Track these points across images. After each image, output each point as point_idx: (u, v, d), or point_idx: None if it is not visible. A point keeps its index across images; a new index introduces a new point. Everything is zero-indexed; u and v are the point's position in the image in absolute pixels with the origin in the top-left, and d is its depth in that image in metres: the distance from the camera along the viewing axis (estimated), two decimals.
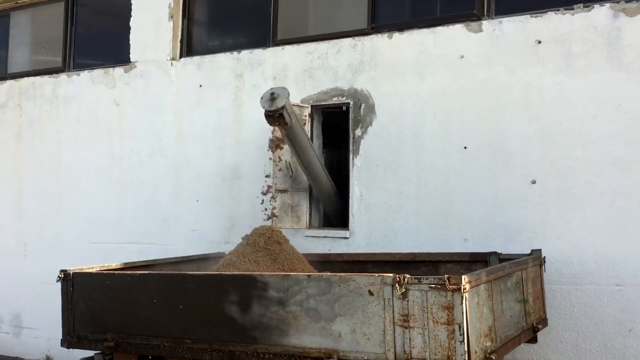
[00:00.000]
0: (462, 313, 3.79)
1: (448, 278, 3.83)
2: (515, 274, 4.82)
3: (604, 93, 5.73)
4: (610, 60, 5.73)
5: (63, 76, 9.00)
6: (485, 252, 5.78)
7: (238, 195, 7.49)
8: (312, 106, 7.08)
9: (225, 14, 8.25)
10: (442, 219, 6.33)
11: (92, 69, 8.79)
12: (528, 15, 6.09)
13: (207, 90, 7.82)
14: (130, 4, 8.41)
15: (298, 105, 6.85)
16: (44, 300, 8.61)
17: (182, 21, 8.22)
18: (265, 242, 5.61)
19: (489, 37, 6.24)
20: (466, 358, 3.78)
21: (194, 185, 7.82)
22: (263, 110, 6.03)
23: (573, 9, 5.91)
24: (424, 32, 6.56)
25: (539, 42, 6.01)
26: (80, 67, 9.01)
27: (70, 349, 5.58)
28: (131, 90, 8.40)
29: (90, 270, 5.55)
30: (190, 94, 7.95)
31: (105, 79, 8.61)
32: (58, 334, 5.61)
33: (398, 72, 6.65)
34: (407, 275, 3.97)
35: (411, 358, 3.93)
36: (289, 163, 6.82)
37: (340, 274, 4.28)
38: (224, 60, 7.73)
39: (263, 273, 4.70)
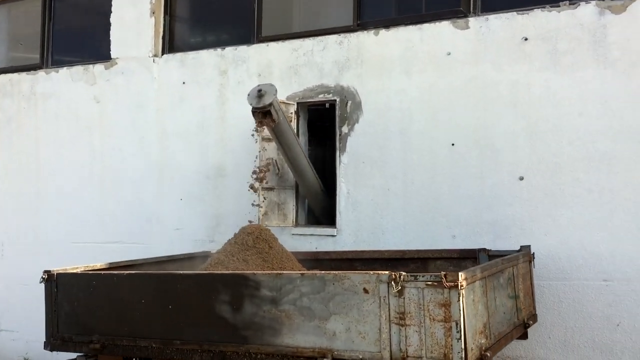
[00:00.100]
0: (459, 310, 3.77)
1: (445, 275, 3.81)
2: (507, 270, 4.82)
3: (590, 90, 5.77)
4: (596, 57, 5.77)
5: (41, 73, 8.80)
6: (474, 249, 5.78)
7: (223, 193, 7.41)
8: (297, 103, 7.02)
9: (208, 10, 8.13)
10: (430, 215, 6.32)
11: (71, 65, 8.61)
12: (514, 12, 6.11)
13: (191, 87, 7.71)
14: (111, 0, 8.26)
15: (284, 103, 6.78)
16: (22, 302, 8.44)
17: (164, 17, 8.10)
18: (254, 240, 5.54)
19: (475, 34, 6.25)
20: (463, 356, 3.76)
21: (178, 184, 7.71)
22: (248, 107, 5.96)
23: (559, 6, 5.94)
24: (411, 28, 6.55)
25: (526, 39, 6.04)
26: (58, 63, 8.83)
27: (52, 352, 5.45)
28: (112, 87, 8.25)
29: (74, 271, 5.42)
30: (173, 91, 7.83)
31: (85, 75, 8.45)
32: (37, 335, 5.51)
33: (385, 69, 6.63)
34: (403, 273, 3.94)
35: (407, 356, 3.90)
36: (276, 160, 6.75)
37: (334, 272, 4.23)
38: (208, 57, 7.63)
39: (255, 272, 4.63)
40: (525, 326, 5.11)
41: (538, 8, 6.01)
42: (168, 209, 7.75)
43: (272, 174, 6.77)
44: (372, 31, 6.72)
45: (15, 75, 9.01)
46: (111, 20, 8.28)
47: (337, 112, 6.81)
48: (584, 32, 5.82)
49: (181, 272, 5.14)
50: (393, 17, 6.88)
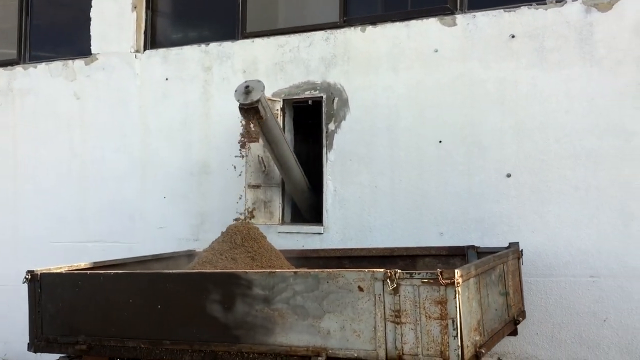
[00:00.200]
0: (456, 307, 3.76)
1: (441, 272, 3.79)
2: (498, 267, 4.83)
3: (577, 88, 5.81)
4: (583, 55, 5.81)
5: (18, 68, 8.60)
6: (463, 246, 5.80)
7: (208, 190, 7.32)
8: (283, 100, 6.96)
9: (191, 5, 8.03)
10: (417, 213, 6.32)
11: (50, 61, 8.42)
12: (502, 10, 6.13)
13: (174, 83, 7.60)
14: None
15: (269, 99, 6.71)
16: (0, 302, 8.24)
17: (146, 12, 7.96)
18: (242, 239, 5.48)
19: (463, 31, 6.25)
20: (459, 353, 3.75)
21: (161, 181, 7.60)
22: (233, 104, 5.89)
23: (546, 3, 5.98)
24: (398, 25, 6.53)
25: (513, 36, 6.06)
26: (37, 59, 8.62)
27: (36, 353, 5.34)
28: (92, 83, 8.09)
29: (59, 271, 5.30)
30: (155, 88, 7.71)
31: (64, 71, 8.27)
32: (14, 337, 5.38)
33: (372, 66, 6.60)
34: (399, 270, 3.92)
35: (403, 354, 3.88)
36: (262, 158, 6.69)
37: (328, 270, 4.19)
38: (191, 53, 7.52)
39: (247, 270, 4.58)
40: (515, 322, 5.13)
41: (525, 5, 6.04)
42: (151, 207, 7.63)
43: (258, 172, 6.70)
44: (359, 27, 6.69)
45: None
46: (91, 14, 8.11)
47: (323, 109, 6.76)
48: (571, 29, 5.85)
49: (171, 271, 5.07)
50: (380, 13, 6.85)
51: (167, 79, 7.63)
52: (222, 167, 7.22)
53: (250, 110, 5.77)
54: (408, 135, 6.39)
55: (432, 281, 3.83)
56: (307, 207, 7.02)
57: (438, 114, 6.29)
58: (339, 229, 6.63)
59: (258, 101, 5.72)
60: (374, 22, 6.66)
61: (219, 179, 7.23)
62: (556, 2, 5.94)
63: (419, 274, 3.88)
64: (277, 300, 4.25)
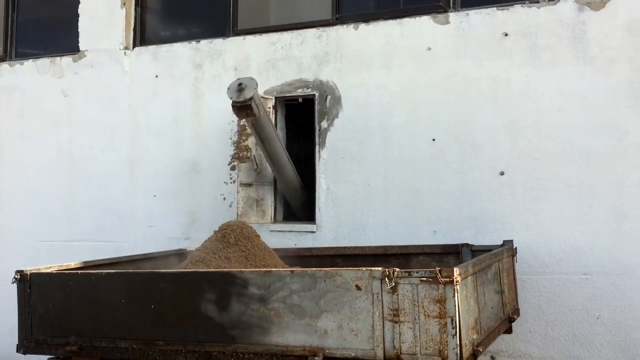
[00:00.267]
0: (455, 306, 3.74)
1: (440, 271, 3.77)
2: (494, 265, 4.82)
3: (570, 86, 5.82)
4: (576, 53, 5.82)
5: (4, 65, 8.47)
6: (457, 244, 5.78)
7: (198, 189, 7.25)
8: (275, 98, 6.91)
9: (181, 2, 7.95)
10: (411, 211, 6.30)
11: (37, 58, 8.31)
12: (495, 8, 6.12)
13: (164, 81, 7.52)
14: None
15: (262, 97, 6.65)
16: None
17: (135, 9, 7.88)
18: (236, 238, 5.41)
19: (456, 29, 6.24)
20: (458, 352, 3.73)
21: (151, 180, 7.52)
22: (224, 102, 5.84)
23: (539, 2, 5.99)
24: (391, 23, 6.50)
25: (506, 34, 6.06)
26: (23, 56, 8.51)
27: (25, 355, 5.24)
28: (81, 80, 7.99)
29: (48, 271, 5.21)
30: (145, 85, 7.63)
31: (51, 68, 8.16)
32: (2, 338, 5.26)
33: (364, 64, 6.57)
34: (397, 269, 3.89)
35: (401, 353, 3.85)
36: (254, 156, 6.64)
37: (325, 268, 4.15)
38: (182, 50, 7.45)
39: (243, 270, 4.53)
40: (510, 320, 5.13)
41: (518, 4, 6.05)
42: (141, 205, 7.55)
43: (250, 170, 6.65)
44: (352, 25, 6.66)
45: None
46: (79, 11, 8.02)
47: (316, 107, 6.72)
48: (564, 28, 5.86)
49: (165, 270, 5.00)
50: (372, 11, 6.82)
51: (157, 76, 7.55)
52: (213, 165, 7.16)
53: (243, 108, 5.71)
54: (401, 133, 6.37)
55: (430, 280, 3.80)
56: (299, 206, 6.98)
57: (431, 112, 6.28)
58: (332, 227, 6.60)
59: (251, 99, 5.67)
60: (366, 19, 6.63)
61: (209, 177, 7.17)
62: (549, 0, 5.95)
63: (417, 272, 3.85)
64: (274, 300, 4.20)
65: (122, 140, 7.69)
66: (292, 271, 4.24)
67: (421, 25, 6.37)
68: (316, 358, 4.03)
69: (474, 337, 4.08)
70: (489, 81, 6.09)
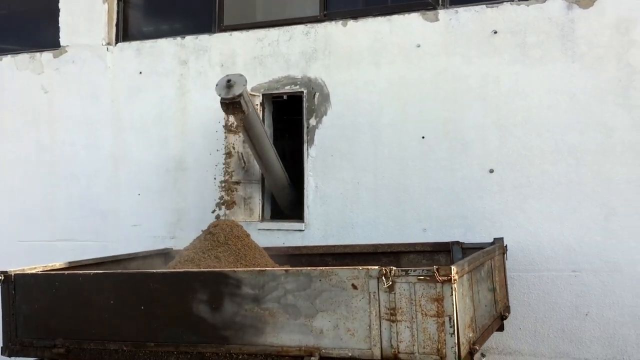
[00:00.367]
0: (452, 304, 3.71)
1: (437, 269, 3.74)
2: (487, 263, 4.82)
3: (559, 83, 5.85)
4: (565, 51, 5.84)
5: None
6: (447, 242, 5.77)
7: (184, 187, 7.14)
8: (263, 95, 6.83)
9: None
10: (400, 209, 6.27)
11: (16, 53, 8.11)
12: (484, 5, 6.12)
13: (148, 77, 7.39)
14: None
15: (249, 94, 6.57)
16: None
17: (118, 3, 7.74)
18: (225, 237, 5.34)
19: (445, 27, 6.23)
20: (456, 350, 3.71)
21: (135, 178, 7.39)
22: (210, 99, 5.79)
23: None
24: (380, 20, 6.46)
25: (495, 32, 6.06)
26: (1, 51, 8.28)
27: (9, 357, 5.12)
28: (61, 76, 7.82)
29: (34, 271, 5.08)
30: (128, 81, 7.49)
31: (31, 64, 7.98)
32: None
33: (353, 61, 6.53)
34: (394, 268, 3.85)
35: (399, 352, 3.82)
36: (241, 154, 6.55)
37: (321, 267, 4.10)
38: (167, 46, 7.33)
39: (236, 269, 4.45)
40: (502, 318, 5.13)
41: (507, 1, 6.05)
42: (125, 204, 7.42)
43: (238, 168, 6.57)
44: (340, 22, 6.61)
45: None
46: (60, 5, 7.85)
47: (304, 104, 6.66)
48: (553, 26, 5.88)
49: (155, 270, 4.91)
50: (361, 7, 6.77)
51: (140, 72, 7.42)
52: (199, 163, 7.06)
53: (232, 105, 5.63)
54: (391, 130, 6.34)
55: (428, 278, 3.77)
56: (287, 204, 6.92)
57: (421, 110, 6.25)
58: (321, 225, 6.55)
59: (240, 95, 5.59)
60: (355, 16, 6.59)
61: (195, 175, 7.07)
62: None
63: (414, 270, 3.82)
64: (268, 300, 4.14)
65: (105, 137, 7.55)
66: (286, 270, 4.18)
67: (410, 22, 6.34)
68: (312, 358, 3.99)
69: (470, 335, 4.07)
70: (479, 79, 6.08)
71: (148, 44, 7.45)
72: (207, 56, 7.11)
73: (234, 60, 6.99)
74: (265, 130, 6.35)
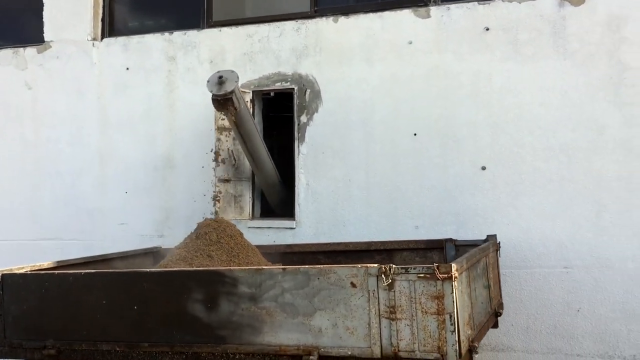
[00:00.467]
0: (453, 302, 3.69)
1: (437, 267, 3.72)
2: (482, 260, 4.81)
3: (550, 81, 5.87)
4: (556, 48, 5.87)
5: None
6: (441, 239, 5.77)
7: (173, 185, 7.06)
8: (253, 92, 6.77)
9: None
10: (392, 206, 6.26)
11: None
12: (476, 2, 6.13)
13: (135, 73, 7.29)
14: None
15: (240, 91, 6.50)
16: None
17: None
18: (218, 235, 5.27)
19: (437, 24, 6.22)
20: (457, 348, 3.69)
21: (122, 176, 7.28)
22: (199, 95, 5.72)
23: None
24: (371, 16, 6.44)
25: (487, 29, 6.06)
26: None
27: None
28: (46, 72, 7.68)
29: (22, 271, 4.97)
30: (115, 77, 7.37)
31: (14, 59, 7.82)
32: None
33: (345, 57, 6.49)
34: (394, 266, 3.82)
35: (399, 350, 3.79)
36: (232, 151, 6.48)
37: (319, 266, 4.06)
38: (154, 42, 7.23)
39: (232, 268, 4.38)
40: (496, 315, 5.13)
41: None
42: (111, 202, 7.31)
43: (229, 165, 6.49)
44: (331, 18, 6.57)
45: None
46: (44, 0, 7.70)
47: (295, 100, 6.61)
48: (544, 23, 5.90)
49: (147, 269, 4.81)
50: (352, 4, 6.74)
51: (127, 68, 7.31)
52: (188, 160, 6.98)
53: (224, 101, 5.56)
54: (383, 128, 6.32)
55: (428, 276, 3.74)
56: (278, 202, 6.86)
57: (413, 107, 6.24)
58: (312, 223, 6.51)
59: (232, 92, 5.52)
60: (346, 12, 6.55)
61: (184, 172, 6.98)
62: None
63: (414, 268, 3.79)
64: (265, 298, 4.08)
65: (91, 134, 7.43)
66: (284, 269, 4.12)
67: (402, 18, 6.32)
68: (311, 357, 3.93)
69: (469, 332, 4.05)
70: (470, 76, 6.08)
71: (135, 39, 7.34)
72: (195, 52, 7.03)
73: (223, 56, 6.91)
74: (256, 127, 6.28)
